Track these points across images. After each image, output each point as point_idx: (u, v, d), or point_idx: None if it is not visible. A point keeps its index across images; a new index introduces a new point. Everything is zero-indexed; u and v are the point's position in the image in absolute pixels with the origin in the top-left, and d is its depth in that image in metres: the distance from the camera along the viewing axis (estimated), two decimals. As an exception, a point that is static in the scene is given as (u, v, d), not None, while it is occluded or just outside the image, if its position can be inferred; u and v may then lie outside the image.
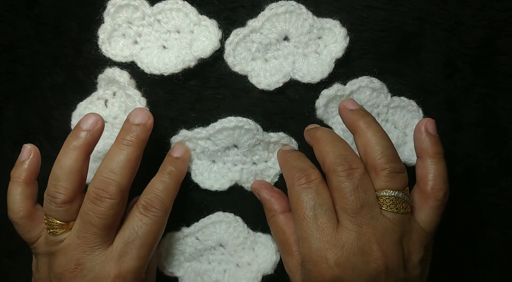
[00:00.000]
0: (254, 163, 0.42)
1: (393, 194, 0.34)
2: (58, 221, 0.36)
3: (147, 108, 0.40)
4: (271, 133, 0.41)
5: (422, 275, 0.35)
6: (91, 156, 0.37)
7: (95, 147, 0.37)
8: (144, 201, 0.37)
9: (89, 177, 0.37)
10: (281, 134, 0.41)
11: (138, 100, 0.41)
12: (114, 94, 0.42)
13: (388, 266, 0.33)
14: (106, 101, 0.42)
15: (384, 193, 0.34)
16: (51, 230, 0.36)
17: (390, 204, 0.34)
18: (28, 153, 0.38)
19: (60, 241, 0.36)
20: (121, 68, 0.41)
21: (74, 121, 0.42)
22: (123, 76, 0.41)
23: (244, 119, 0.40)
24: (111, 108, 0.42)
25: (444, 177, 0.36)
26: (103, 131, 0.37)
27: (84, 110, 0.42)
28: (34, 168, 0.38)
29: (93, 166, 0.39)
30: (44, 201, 0.36)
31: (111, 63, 0.42)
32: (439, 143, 0.37)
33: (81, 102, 0.42)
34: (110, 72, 0.41)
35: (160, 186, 0.38)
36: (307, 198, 0.35)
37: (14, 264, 0.44)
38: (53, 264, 0.36)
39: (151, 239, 0.36)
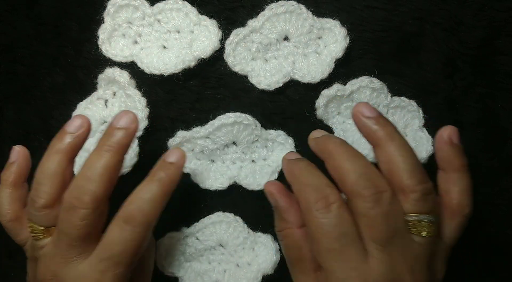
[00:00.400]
0: (253, 161, 0.42)
1: (424, 219, 0.31)
2: (37, 227, 0.34)
3: (147, 108, 0.40)
4: (270, 131, 0.41)
5: None
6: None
7: (90, 148, 0.36)
8: (125, 213, 0.33)
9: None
10: (280, 132, 0.41)
11: (138, 100, 0.41)
12: (114, 94, 0.42)
13: None
14: (106, 101, 0.42)
15: (415, 217, 0.31)
16: (33, 235, 0.34)
17: (421, 229, 0.31)
18: (17, 154, 0.37)
19: (42, 246, 0.34)
20: (121, 68, 0.41)
21: None
22: (123, 76, 0.41)
23: (243, 114, 0.40)
24: (111, 108, 0.42)
25: (470, 191, 0.34)
26: (100, 131, 0.37)
27: (84, 110, 0.42)
28: (23, 170, 0.37)
29: None
30: (27, 205, 0.35)
31: (111, 63, 0.42)
32: (464, 154, 0.34)
33: (81, 102, 0.42)
34: (110, 72, 0.41)
35: (146, 195, 0.33)
36: (329, 226, 0.31)
37: (14, 264, 0.44)
38: (36, 270, 0.34)
39: (129, 256, 0.33)
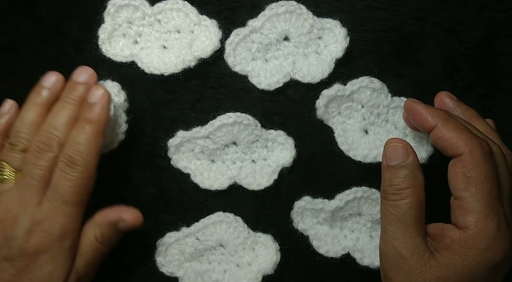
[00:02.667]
0: (253, 161, 0.42)
1: None
2: (10, 168, 0.37)
3: (125, 125, 0.41)
4: (270, 131, 0.41)
5: None
6: None
7: None
8: (65, 158, 0.37)
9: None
10: (280, 132, 0.41)
11: (119, 124, 0.41)
12: None
13: None
14: None
15: None
16: (4, 176, 0.37)
17: None
18: (9, 107, 0.40)
19: (6, 190, 0.37)
20: (121, 88, 0.42)
21: None
22: (118, 96, 0.41)
23: (243, 114, 0.40)
24: None
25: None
26: None
27: None
28: (11, 123, 0.39)
29: None
30: (3, 149, 0.38)
31: (111, 63, 0.42)
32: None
33: None
34: (109, 85, 0.41)
35: (81, 139, 0.37)
36: (493, 171, 0.33)
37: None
38: None
39: (76, 196, 0.36)
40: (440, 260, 0.33)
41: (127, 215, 0.38)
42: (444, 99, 0.39)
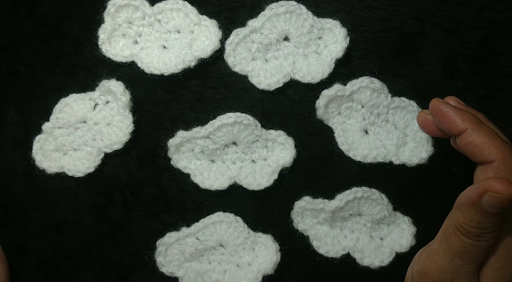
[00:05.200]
0: (253, 161, 0.42)
1: None
2: None
3: (130, 134, 0.41)
4: (270, 131, 0.41)
5: None
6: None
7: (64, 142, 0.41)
8: None
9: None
10: (280, 132, 0.41)
11: (127, 125, 0.41)
12: (107, 103, 0.42)
13: None
14: (96, 105, 0.42)
15: None
16: None
17: None
18: None
19: None
20: (125, 87, 0.42)
21: (59, 106, 0.42)
22: (124, 95, 0.41)
23: (243, 114, 0.40)
24: (97, 114, 0.42)
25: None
26: (76, 128, 0.40)
27: (71, 103, 0.42)
28: None
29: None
30: None
31: (111, 63, 0.42)
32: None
33: (74, 94, 0.42)
34: (114, 85, 0.41)
35: None
36: None
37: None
38: None
39: None
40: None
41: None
42: (445, 105, 0.37)
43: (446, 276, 0.34)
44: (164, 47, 0.43)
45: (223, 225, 0.41)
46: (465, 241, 0.34)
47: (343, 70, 0.42)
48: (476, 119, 0.34)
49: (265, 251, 0.41)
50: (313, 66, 0.42)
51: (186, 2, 0.42)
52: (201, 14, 0.42)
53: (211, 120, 0.41)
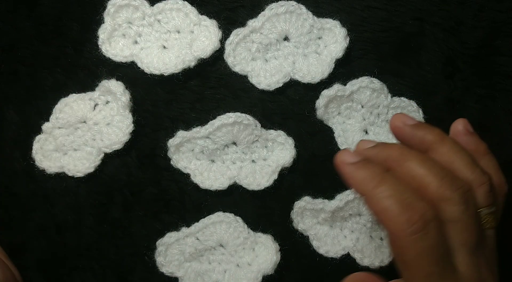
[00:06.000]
0: (253, 161, 0.42)
1: (493, 210, 0.30)
2: None
3: (130, 134, 0.41)
4: (270, 131, 0.41)
5: None
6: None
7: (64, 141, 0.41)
8: None
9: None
10: (280, 132, 0.41)
11: (127, 125, 0.41)
12: (107, 103, 0.42)
13: None
14: (96, 105, 0.42)
15: (488, 210, 0.30)
16: None
17: (491, 221, 0.30)
18: None
19: None
20: (125, 87, 0.42)
21: (59, 106, 0.42)
22: (124, 95, 0.41)
23: (243, 114, 0.40)
24: (97, 114, 0.42)
25: (500, 169, 0.33)
26: (76, 128, 0.40)
27: (71, 103, 0.42)
28: None
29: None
30: None
31: (111, 63, 0.42)
32: (481, 139, 0.34)
33: (73, 94, 0.42)
34: (114, 85, 0.41)
35: None
36: (430, 250, 0.27)
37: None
38: None
39: None
40: None
41: None
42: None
43: None
44: (164, 47, 0.43)
45: (223, 225, 0.41)
46: None
47: (343, 70, 0.42)
48: (371, 184, 0.29)
49: (265, 251, 0.41)
50: (313, 66, 0.42)
51: (186, 2, 0.42)
52: (201, 14, 0.42)
53: (211, 120, 0.41)
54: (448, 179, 0.29)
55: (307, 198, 0.41)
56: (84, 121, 0.42)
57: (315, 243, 0.41)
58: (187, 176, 0.42)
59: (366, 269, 0.41)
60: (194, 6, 0.42)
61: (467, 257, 0.29)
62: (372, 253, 0.41)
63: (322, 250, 0.41)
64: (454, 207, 0.28)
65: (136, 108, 0.42)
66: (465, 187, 0.29)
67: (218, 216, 0.41)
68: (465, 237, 0.29)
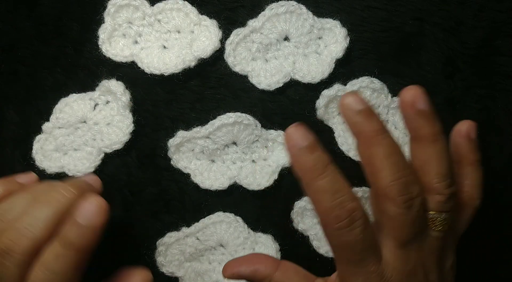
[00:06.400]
0: (253, 161, 0.42)
1: (445, 217, 0.32)
2: None
3: (130, 134, 0.41)
4: (270, 131, 0.41)
5: (453, 277, 0.35)
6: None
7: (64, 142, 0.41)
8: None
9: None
10: (280, 132, 0.41)
11: (127, 125, 0.41)
12: (107, 103, 0.42)
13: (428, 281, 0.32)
14: (96, 105, 0.42)
15: (437, 215, 0.32)
16: None
17: (439, 225, 0.32)
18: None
19: None
20: (125, 87, 0.42)
21: (59, 106, 0.42)
22: (124, 95, 0.41)
23: (243, 114, 0.41)
24: (97, 114, 0.42)
25: (481, 185, 0.35)
26: (76, 128, 0.40)
27: (72, 103, 0.42)
28: None
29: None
30: None
31: (111, 63, 0.42)
32: (478, 149, 0.35)
33: (74, 94, 0.42)
34: (114, 85, 0.41)
35: (57, 266, 0.29)
36: (352, 244, 0.30)
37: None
38: None
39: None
40: None
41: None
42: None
43: None
44: (164, 47, 0.43)
45: (223, 225, 0.41)
46: None
47: (343, 70, 0.42)
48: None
49: (265, 251, 0.41)
50: (313, 66, 0.42)
51: (186, 2, 0.42)
52: (201, 14, 0.42)
53: (211, 120, 0.41)
54: (402, 181, 0.30)
55: (307, 198, 0.41)
56: (84, 121, 0.42)
57: (315, 243, 0.41)
58: (187, 176, 0.42)
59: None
60: (194, 6, 0.42)
61: (395, 248, 0.31)
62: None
63: (322, 250, 0.41)
64: (393, 208, 0.30)
65: (136, 108, 0.42)
66: (415, 193, 0.31)
67: (218, 216, 0.42)
68: (397, 233, 0.31)
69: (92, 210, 0.31)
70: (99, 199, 0.31)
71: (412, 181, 0.31)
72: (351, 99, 0.31)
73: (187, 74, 0.42)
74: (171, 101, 0.43)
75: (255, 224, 0.42)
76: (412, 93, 0.32)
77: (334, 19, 0.41)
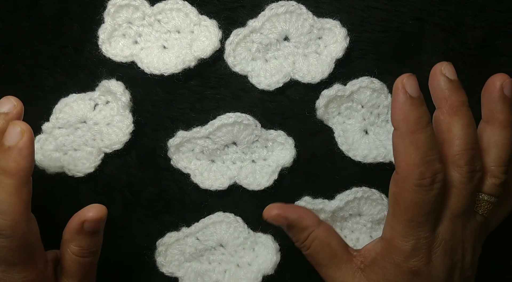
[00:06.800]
0: (253, 161, 0.42)
1: (493, 201, 0.34)
2: None
3: (130, 134, 0.41)
4: (270, 131, 0.41)
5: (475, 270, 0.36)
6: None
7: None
8: None
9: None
10: (280, 132, 0.41)
11: (127, 125, 0.41)
12: (107, 103, 0.42)
13: (464, 264, 0.34)
14: (96, 105, 0.42)
15: (487, 198, 0.34)
16: None
17: (485, 209, 0.34)
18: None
19: None
20: (125, 87, 0.42)
21: (59, 106, 0.42)
22: (124, 95, 0.41)
23: (243, 114, 0.41)
24: (97, 114, 0.42)
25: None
26: (76, 128, 0.40)
27: (72, 103, 0.42)
28: None
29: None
30: None
31: (111, 63, 0.42)
32: None
33: (74, 94, 0.42)
34: (114, 85, 0.41)
35: None
36: (425, 203, 0.32)
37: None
38: None
39: (16, 260, 0.32)
40: (369, 276, 0.34)
41: (88, 213, 0.35)
42: (495, 86, 0.36)
43: None
44: (164, 47, 0.43)
45: (223, 225, 0.41)
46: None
47: (343, 70, 0.42)
48: (418, 125, 0.32)
49: (265, 251, 0.41)
50: (313, 66, 0.42)
51: (186, 2, 0.42)
52: (201, 14, 0.42)
53: (211, 120, 0.41)
54: (471, 153, 0.33)
55: (307, 198, 0.41)
56: (84, 121, 0.42)
57: (315, 243, 0.41)
58: (187, 176, 0.42)
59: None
60: (194, 6, 0.42)
61: (447, 219, 0.33)
62: (372, 253, 0.41)
63: (322, 250, 0.41)
64: (458, 175, 0.33)
65: (136, 108, 0.42)
66: (478, 167, 0.33)
67: (218, 216, 0.42)
68: (453, 203, 0.33)
69: (15, 132, 0.32)
70: (22, 122, 0.32)
71: (479, 155, 0.34)
72: (448, 68, 0.35)
73: (187, 74, 0.42)
74: (171, 101, 0.43)
75: (255, 224, 0.42)
76: (503, 78, 0.35)
77: (334, 19, 0.41)
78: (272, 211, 0.36)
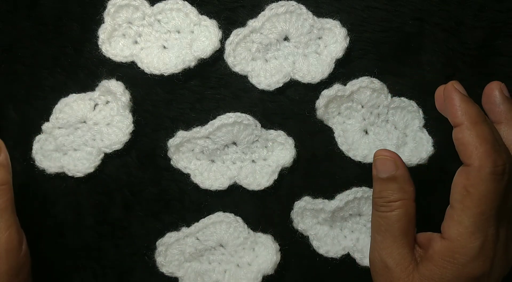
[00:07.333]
0: (253, 161, 0.42)
1: None
2: None
3: (130, 134, 0.41)
4: (270, 131, 0.41)
5: None
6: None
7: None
8: None
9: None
10: (280, 132, 0.41)
11: (127, 125, 0.41)
12: (107, 103, 0.42)
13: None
14: (96, 105, 0.42)
15: None
16: None
17: None
18: None
19: None
20: (125, 87, 0.42)
21: (59, 106, 0.42)
22: (124, 95, 0.41)
23: (243, 114, 0.41)
24: (97, 114, 0.42)
25: None
26: (76, 128, 0.41)
27: (71, 103, 0.42)
28: None
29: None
30: None
31: (111, 63, 0.42)
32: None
33: (73, 94, 0.42)
34: (114, 85, 0.41)
35: None
36: (498, 193, 0.31)
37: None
38: None
39: None
40: (422, 271, 0.33)
41: None
42: (494, 91, 0.38)
43: (373, 254, 0.35)
44: (164, 47, 0.43)
45: (223, 225, 0.41)
46: (374, 214, 0.35)
47: (343, 70, 0.42)
48: (478, 117, 0.33)
49: (265, 251, 0.41)
50: (313, 66, 0.42)
51: (186, 2, 0.42)
52: (201, 14, 0.42)
53: (211, 120, 0.41)
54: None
55: (307, 198, 0.41)
56: (84, 121, 0.42)
57: (315, 243, 0.41)
58: (187, 176, 0.42)
59: (366, 269, 0.41)
60: (194, 6, 0.42)
61: (506, 221, 0.33)
62: (372, 253, 0.41)
63: (322, 250, 0.41)
64: None
65: (136, 108, 0.43)
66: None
67: (218, 216, 0.42)
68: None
69: None
70: None
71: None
72: (503, 86, 0.37)
73: (187, 74, 0.42)
74: (171, 101, 0.43)
75: (255, 224, 0.42)
76: (499, 83, 0.37)
77: (334, 19, 0.41)
78: (387, 152, 0.35)
